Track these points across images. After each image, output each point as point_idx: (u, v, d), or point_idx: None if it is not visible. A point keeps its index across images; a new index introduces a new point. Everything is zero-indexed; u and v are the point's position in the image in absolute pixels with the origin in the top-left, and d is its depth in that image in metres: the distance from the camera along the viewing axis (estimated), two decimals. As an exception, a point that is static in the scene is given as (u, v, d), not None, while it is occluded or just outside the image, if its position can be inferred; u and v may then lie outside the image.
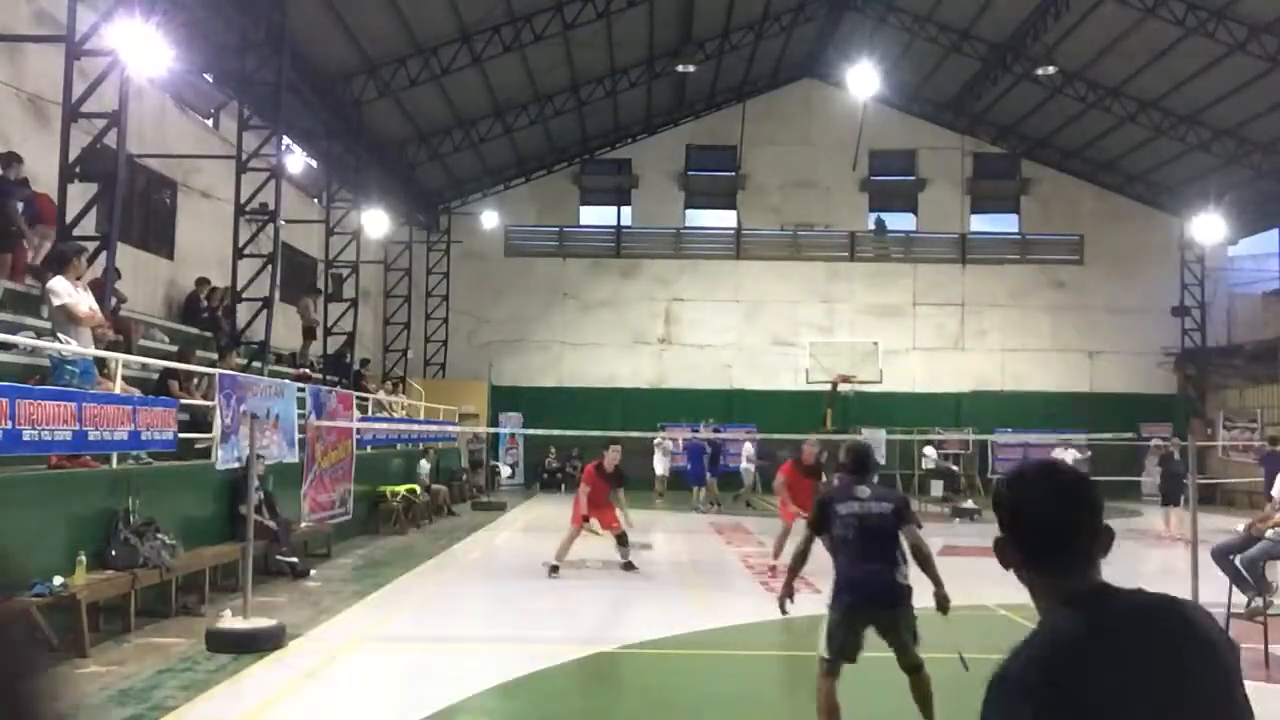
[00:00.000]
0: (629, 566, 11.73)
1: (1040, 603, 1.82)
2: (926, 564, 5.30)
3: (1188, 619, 1.77)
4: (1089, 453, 22.11)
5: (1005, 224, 28.94)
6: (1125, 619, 1.69)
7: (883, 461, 21.85)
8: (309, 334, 18.54)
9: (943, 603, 5.33)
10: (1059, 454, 23.39)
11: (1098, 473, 25.15)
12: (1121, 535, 14.16)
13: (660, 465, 22.94)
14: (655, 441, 22.19)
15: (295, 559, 10.77)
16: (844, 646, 5.16)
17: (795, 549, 5.59)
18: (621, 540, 11.72)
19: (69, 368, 7.92)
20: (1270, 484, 10.88)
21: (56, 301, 8.25)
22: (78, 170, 10.04)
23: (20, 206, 10.34)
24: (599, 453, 12.30)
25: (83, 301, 8.45)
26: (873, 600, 5.17)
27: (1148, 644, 1.66)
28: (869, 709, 6.52)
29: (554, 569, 11.25)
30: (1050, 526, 1.79)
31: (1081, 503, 1.78)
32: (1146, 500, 24.50)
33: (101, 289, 10.38)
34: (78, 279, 8.64)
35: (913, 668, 5.28)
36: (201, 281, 15.52)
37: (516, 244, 28.20)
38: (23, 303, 10.18)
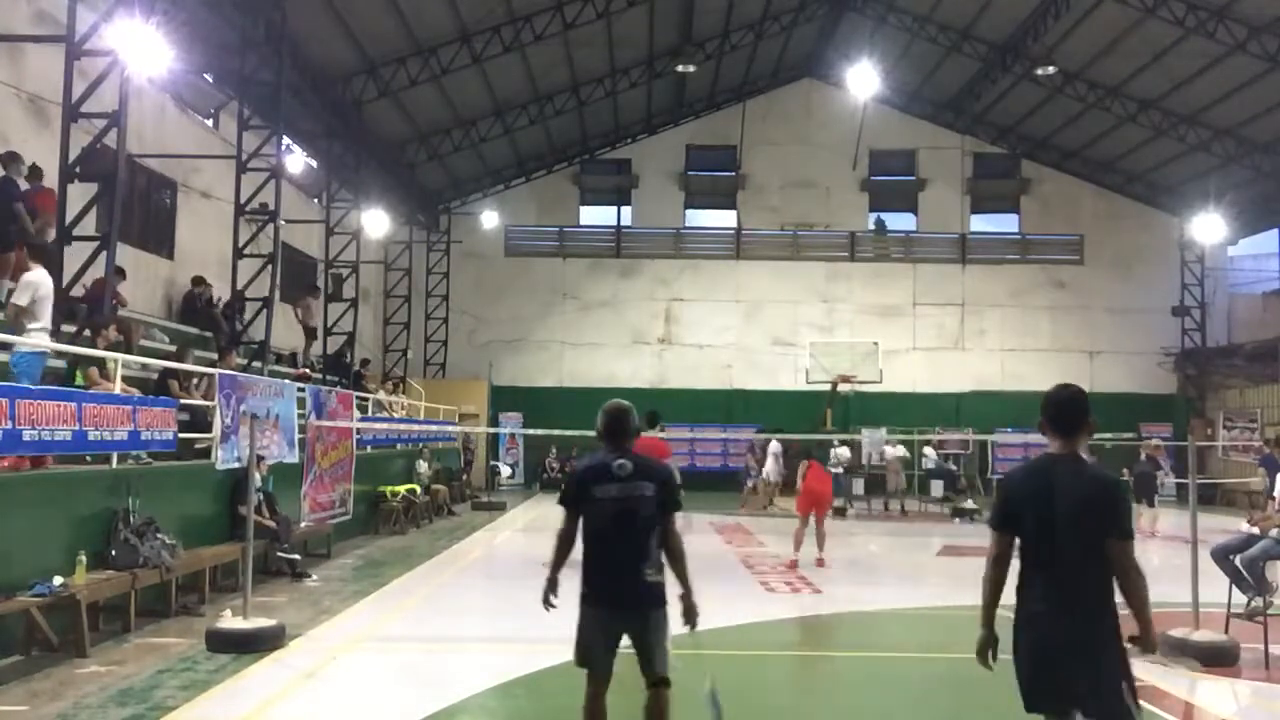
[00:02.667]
0: None
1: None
2: (676, 561, 4.42)
3: (1094, 480, 3.61)
4: (1094, 458, 22.05)
5: (1005, 224, 28.94)
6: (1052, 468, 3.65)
7: (882, 461, 21.93)
8: (309, 334, 18.53)
9: (689, 613, 4.44)
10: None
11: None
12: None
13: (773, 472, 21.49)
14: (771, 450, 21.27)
15: (296, 555, 10.76)
16: (589, 657, 4.42)
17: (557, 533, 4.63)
18: None
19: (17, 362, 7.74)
20: (1274, 485, 10.89)
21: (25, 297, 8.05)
22: (78, 170, 10.04)
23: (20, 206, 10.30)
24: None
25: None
26: (622, 604, 4.37)
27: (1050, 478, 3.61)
28: (869, 709, 6.53)
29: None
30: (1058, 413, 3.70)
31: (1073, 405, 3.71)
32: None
33: (102, 289, 10.40)
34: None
35: (656, 681, 4.39)
36: (197, 280, 15.52)
37: (516, 244, 28.20)
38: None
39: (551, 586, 4.62)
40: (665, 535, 4.41)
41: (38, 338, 7.81)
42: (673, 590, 4.44)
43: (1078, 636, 3.66)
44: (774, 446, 21.14)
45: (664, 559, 4.42)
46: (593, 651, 4.42)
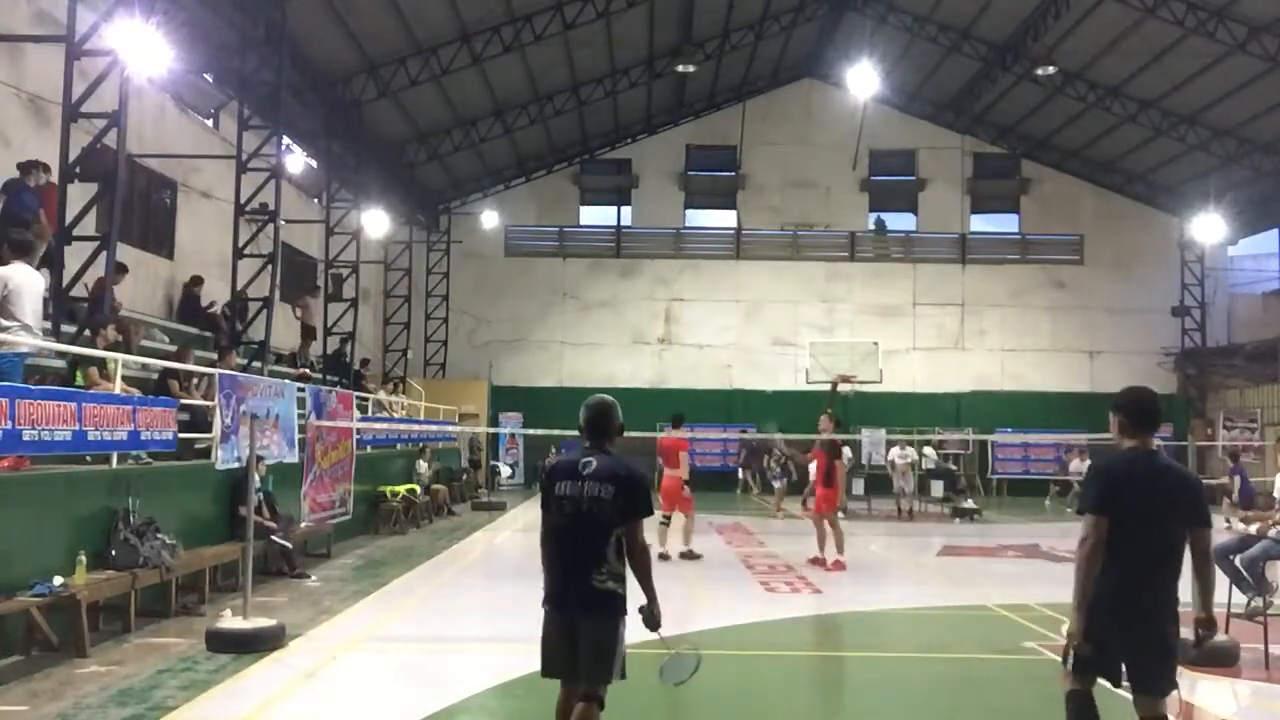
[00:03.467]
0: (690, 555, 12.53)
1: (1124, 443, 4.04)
2: (638, 570, 4.22)
3: (1173, 472, 4.02)
4: (1087, 460, 22.12)
5: (1005, 224, 28.94)
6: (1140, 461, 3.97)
7: (881, 461, 21.93)
8: (309, 334, 18.53)
9: (650, 621, 4.25)
10: (1075, 465, 23.63)
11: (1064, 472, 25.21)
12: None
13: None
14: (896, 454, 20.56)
15: (289, 544, 10.72)
16: (551, 663, 4.28)
17: None
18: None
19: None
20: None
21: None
22: (78, 170, 10.03)
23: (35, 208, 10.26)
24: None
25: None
26: (569, 606, 4.21)
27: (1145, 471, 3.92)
28: (870, 709, 6.53)
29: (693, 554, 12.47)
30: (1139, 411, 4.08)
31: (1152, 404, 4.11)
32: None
33: (102, 289, 10.40)
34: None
35: (584, 695, 4.16)
36: (196, 280, 15.51)
37: (516, 244, 28.20)
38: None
39: None
40: (627, 541, 4.19)
41: (19, 336, 7.55)
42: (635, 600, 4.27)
43: (1162, 618, 4.05)
44: (901, 452, 20.25)
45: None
46: (547, 658, 4.29)
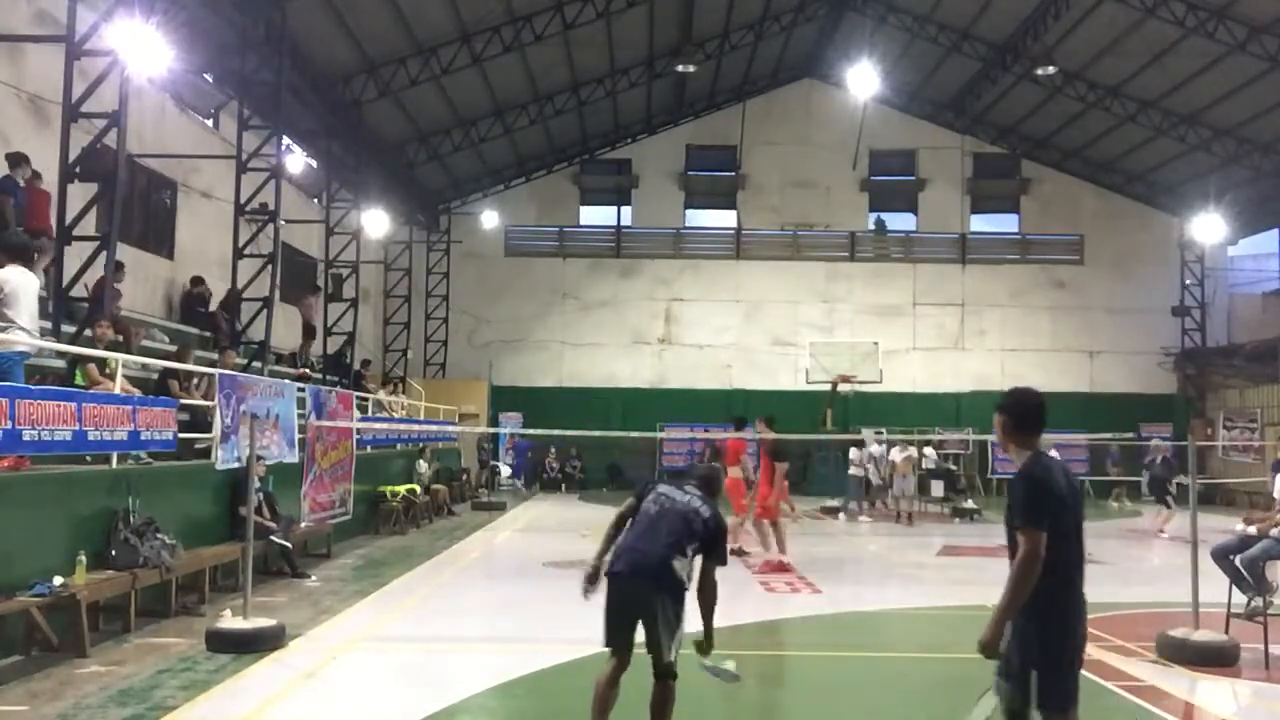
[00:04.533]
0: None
1: (1019, 454, 3.91)
2: (708, 600, 4.93)
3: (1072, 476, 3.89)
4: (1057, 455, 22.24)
5: (1005, 224, 28.95)
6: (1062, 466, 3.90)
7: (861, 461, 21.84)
8: (309, 334, 18.52)
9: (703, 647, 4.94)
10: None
11: (1097, 473, 25.38)
12: (1122, 535, 14.22)
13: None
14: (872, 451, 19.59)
15: (289, 544, 10.72)
16: (614, 630, 4.83)
17: None
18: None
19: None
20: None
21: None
22: (78, 170, 10.03)
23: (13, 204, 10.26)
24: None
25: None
26: (643, 577, 4.74)
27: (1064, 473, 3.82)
28: (869, 708, 6.53)
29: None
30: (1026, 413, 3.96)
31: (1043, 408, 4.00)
32: (1146, 501, 24.52)
33: (102, 289, 10.40)
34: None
35: (661, 673, 4.81)
36: (197, 280, 15.52)
37: (516, 244, 28.21)
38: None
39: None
40: (702, 578, 4.89)
41: (17, 337, 7.55)
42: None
43: (1084, 627, 3.84)
44: (901, 453, 19.17)
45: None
46: (609, 628, 4.87)
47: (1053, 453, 4.03)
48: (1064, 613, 3.74)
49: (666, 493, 4.98)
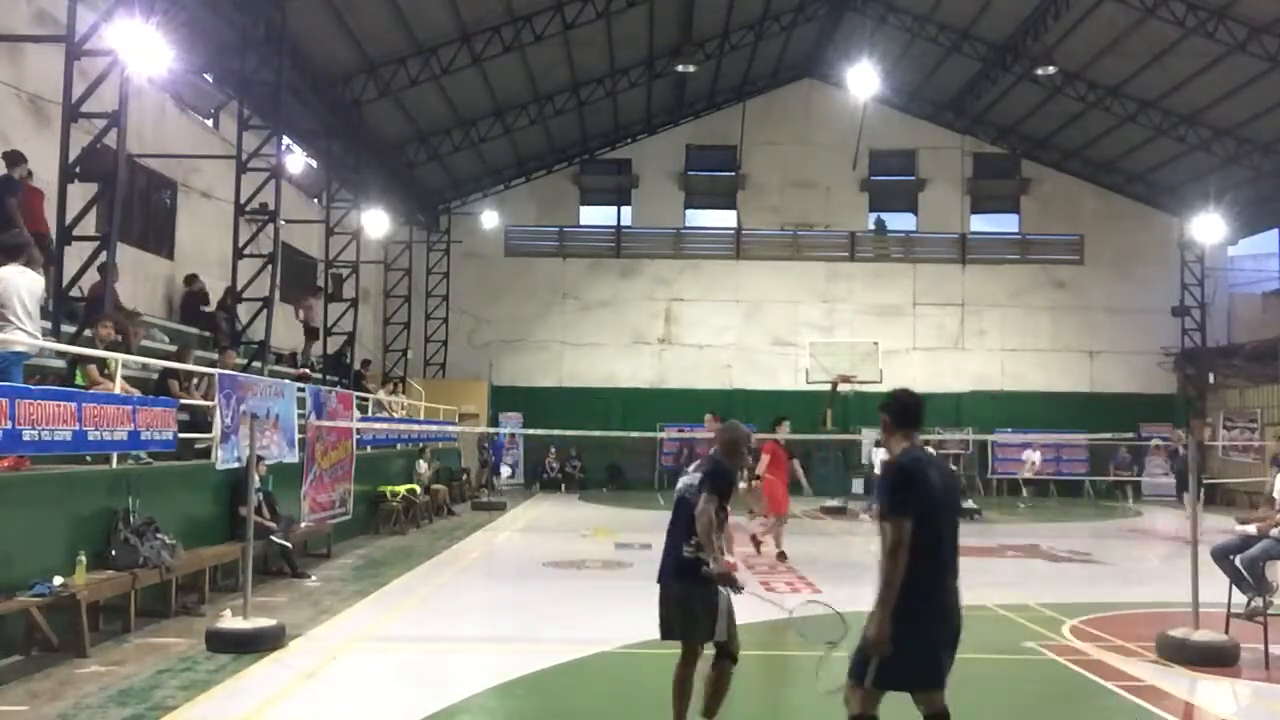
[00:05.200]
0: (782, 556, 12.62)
1: (898, 448, 4.14)
2: (701, 533, 4.90)
3: (941, 464, 4.24)
4: (1037, 456, 23.44)
5: (1005, 224, 28.94)
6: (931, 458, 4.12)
7: (878, 462, 21.87)
8: (310, 334, 18.52)
9: (720, 578, 4.90)
10: (1027, 455, 23.98)
11: (1097, 472, 25.35)
12: (1121, 535, 14.20)
13: None
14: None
15: (289, 544, 10.72)
16: (664, 627, 5.10)
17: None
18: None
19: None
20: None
21: None
22: (78, 170, 10.03)
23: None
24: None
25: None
26: (669, 578, 5.04)
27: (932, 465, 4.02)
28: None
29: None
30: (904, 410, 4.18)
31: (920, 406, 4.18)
32: (1147, 500, 24.54)
33: (102, 289, 10.40)
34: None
35: (721, 653, 5.07)
36: (189, 279, 15.48)
37: (516, 244, 28.20)
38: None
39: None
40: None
41: (15, 336, 7.53)
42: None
43: (958, 613, 4.06)
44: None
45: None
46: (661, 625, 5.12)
47: (930, 450, 4.38)
48: (924, 598, 3.89)
49: (681, 486, 5.20)
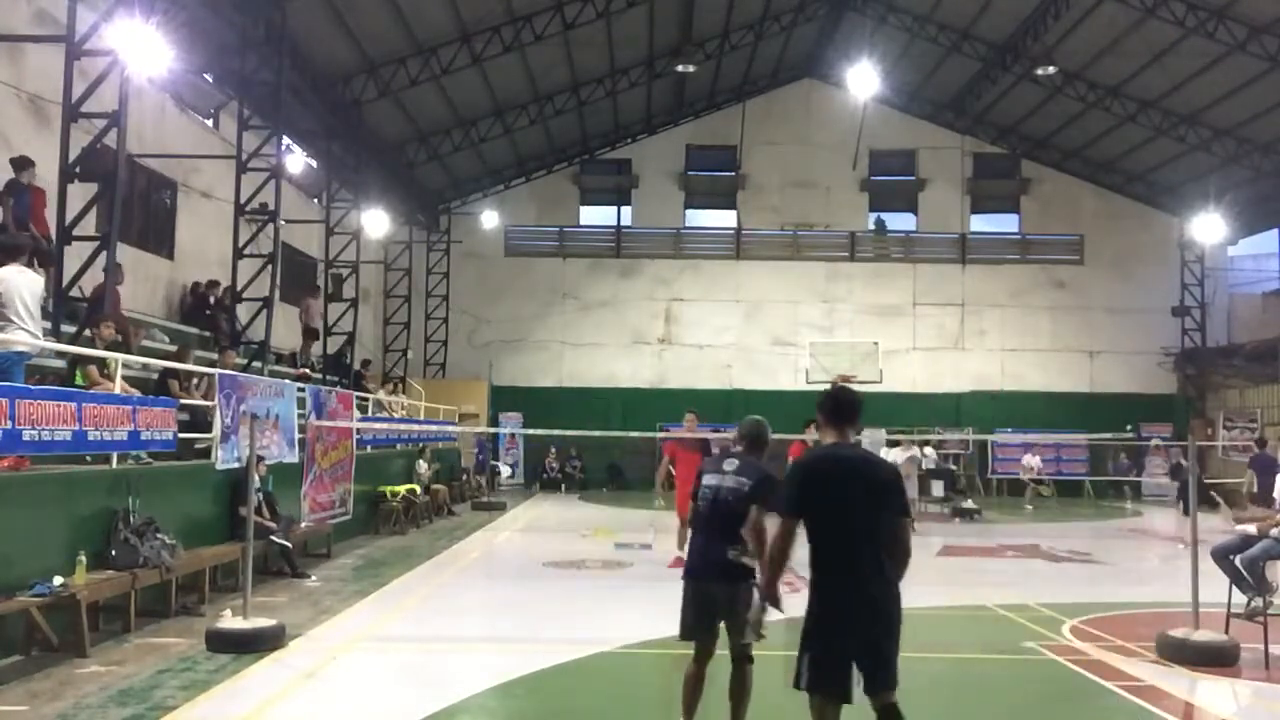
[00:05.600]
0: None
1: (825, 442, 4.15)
2: (759, 547, 4.84)
3: (863, 461, 4.08)
4: (1037, 460, 23.73)
5: (1005, 224, 28.94)
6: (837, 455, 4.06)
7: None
8: (310, 334, 18.53)
9: (766, 598, 4.61)
10: (1026, 460, 23.98)
11: (1097, 472, 25.33)
12: (1121, 535, 14.22)
13: None
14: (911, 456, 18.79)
15: (289, 544, 10.72)
16: (691, 626, 5.10)
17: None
18: None
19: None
20: (1262, 485, 10.87)
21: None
22: (78, 170, 10.03)
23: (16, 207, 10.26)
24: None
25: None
26: (711, 579, 5.00)
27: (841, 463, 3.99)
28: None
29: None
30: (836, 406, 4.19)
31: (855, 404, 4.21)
32: (1148, 500, 24.54)
33: (102, 289, 10.40)
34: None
35: (739, 656, 5.03)
36: (211, 283, 15.55)
37: (516, 244, 28.21)
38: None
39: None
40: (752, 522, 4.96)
41: (16, 336, 7.53)
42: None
43: (885, 610, 3.97)
44: (905, 453, 18.42)
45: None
46: (686, 624, 5.11)
47: (888, 451, 4.45)
48: (823, 598, 3.97)
49: (711, 484, 5.10)
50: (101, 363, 8.72)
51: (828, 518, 3.96)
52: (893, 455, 19.31)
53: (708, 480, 5.14)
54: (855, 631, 3.91)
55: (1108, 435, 22.18)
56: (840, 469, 4.05)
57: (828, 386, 19.75)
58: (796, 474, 4.11)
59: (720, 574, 4.95)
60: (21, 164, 9.98)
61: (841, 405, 4.24)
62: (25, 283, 7.72)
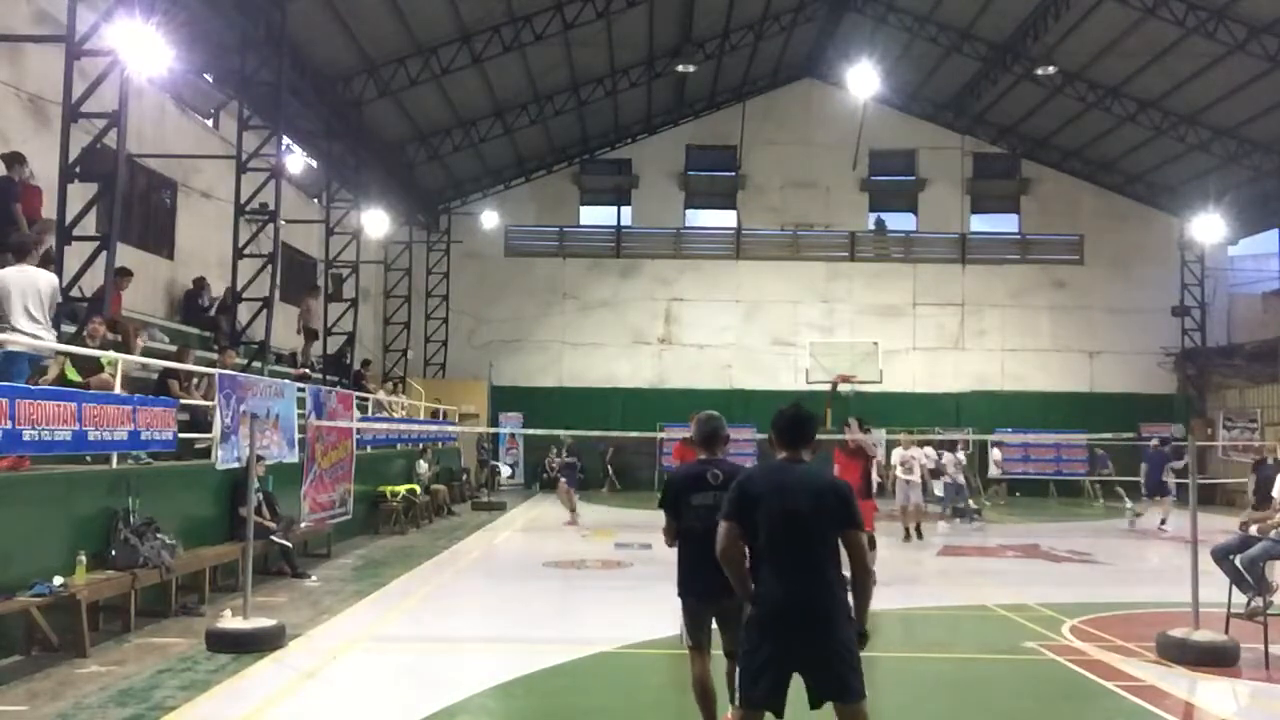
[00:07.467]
0: None
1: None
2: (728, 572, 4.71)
3: (810, 475, 4.09)
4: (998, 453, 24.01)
5: (1005, 224, 28.94)
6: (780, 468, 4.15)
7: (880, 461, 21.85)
8: (310, 334, 18.52)
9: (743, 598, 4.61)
10: (993, 454, 24.02)
11: (1096, 471, 25.28)
12: (1121, 535, 14.21)
13: None
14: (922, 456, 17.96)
15: (289, 544, 10.73)
16: (699, 638, 5.14)
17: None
18: None
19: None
20: (1260, 489, 10.87)
21: None
22: (78, 170, 10.03)
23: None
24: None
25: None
26: (715, 599, 4.93)
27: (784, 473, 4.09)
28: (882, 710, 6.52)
29: None
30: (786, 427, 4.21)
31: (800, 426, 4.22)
32: (1147, 500, 24.50)
33: (102, 290, 10.39)
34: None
35: (731, 653, 5.03)
36: (198, 281, 15.52)
37: (516, 244, 28.20)
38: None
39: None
40: None
41: (15, 336, 7.50)
42: None
43: (833, 623, 3.91)
44: (923, 452, 17.85)
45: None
46: (693, 634, 5.16)
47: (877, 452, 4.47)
48: (758, 607, 3.97)
49: (705, 504, 4.91)
50: (96, 362, 8.69)
51: (765, 527, 3.94)
52: (941, 458, 19.27)
53: (697, 500, 5.01)
54: (784, 638, 3.84)
55: (1107, 435, 22.17)
56: (781, 479, 4.06)
57: (827, 387, 19.62)
58: (739, 485, 4.12)
59: (722, 591, 4.82)
60: (11, 159, 9.95)
61: (782, 432, 4.22)
62: (26, 283, 7.70)
